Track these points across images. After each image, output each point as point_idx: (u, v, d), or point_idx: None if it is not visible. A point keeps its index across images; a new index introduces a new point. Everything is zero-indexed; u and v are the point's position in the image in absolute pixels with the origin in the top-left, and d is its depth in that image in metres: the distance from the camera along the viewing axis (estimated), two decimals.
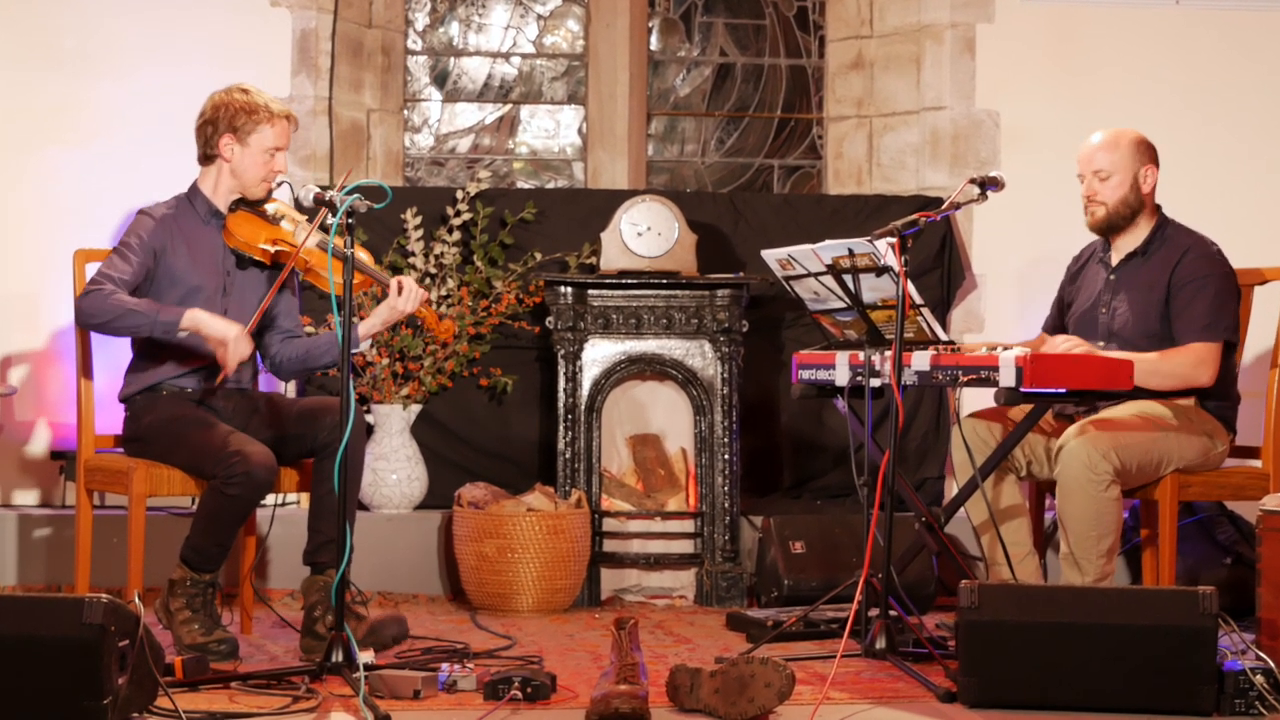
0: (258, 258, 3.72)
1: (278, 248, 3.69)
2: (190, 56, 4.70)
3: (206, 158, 3.75)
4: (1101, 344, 3.87)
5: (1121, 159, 3.87)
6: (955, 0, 5.09)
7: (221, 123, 3.70)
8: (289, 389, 4.50)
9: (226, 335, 3.55)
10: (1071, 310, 4.06)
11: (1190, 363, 3.76)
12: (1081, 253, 4.11)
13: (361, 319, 3.66)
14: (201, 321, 3.56)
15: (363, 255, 3.65)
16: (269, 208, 3.77)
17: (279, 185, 3.77)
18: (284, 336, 3.82)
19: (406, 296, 3.60)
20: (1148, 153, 3.90)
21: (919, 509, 3.77)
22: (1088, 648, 3.03)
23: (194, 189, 3.78)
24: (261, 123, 3.69)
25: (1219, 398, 3.88)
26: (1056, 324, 4.11)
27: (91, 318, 3.59)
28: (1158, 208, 3.94)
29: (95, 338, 3.82)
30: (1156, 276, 3.87)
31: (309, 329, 4.00)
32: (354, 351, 3.70)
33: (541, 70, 5.47)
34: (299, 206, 3.65)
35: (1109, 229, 3.93)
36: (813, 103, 5.48)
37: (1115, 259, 3.96)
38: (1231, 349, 3.87)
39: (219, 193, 3.75)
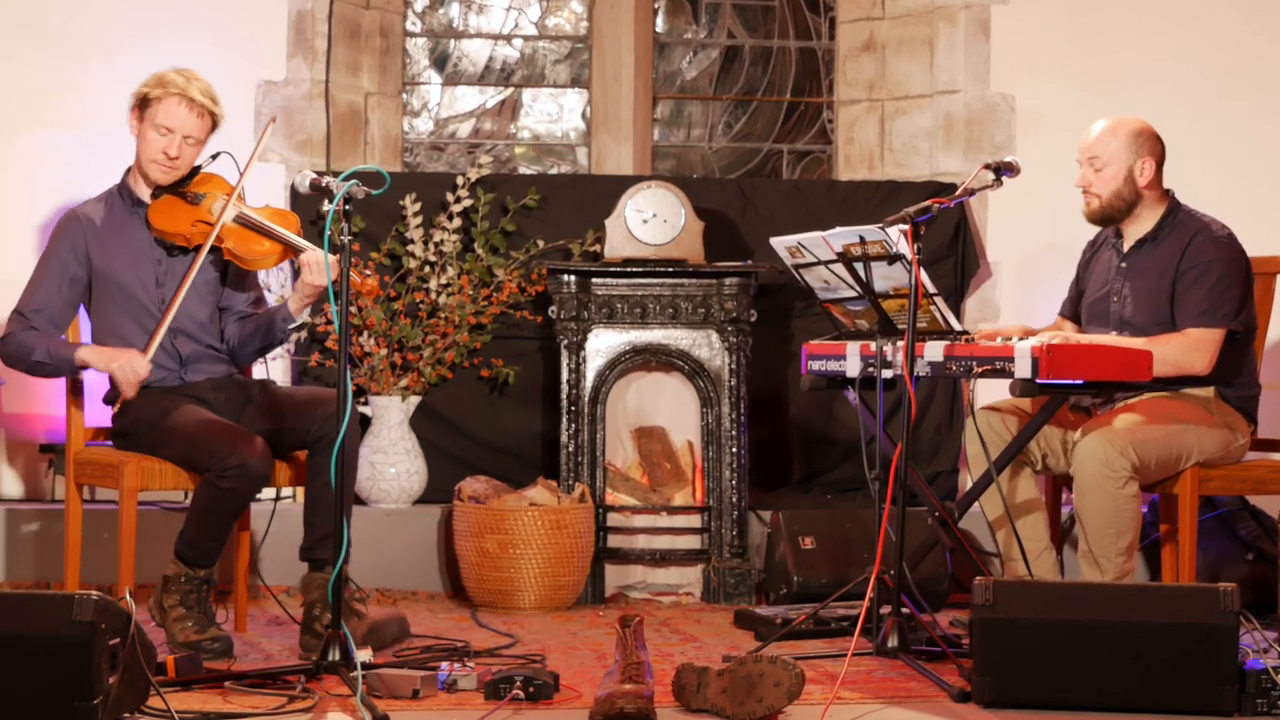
0: (180, 244, 3.63)
1: (197, 229, 3.60)
2: (183, 38, 4.67)
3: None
4: (1114, 332, 3.83)
5: (1116, 150, 3.82)
6: None
7: (134, 100, 3.63)
8: (284, 378, 4.46)
9: (109, 366, 3.55)
10: (1084, 297, 4.03)
11: (1183, 348, 3.70)
12: (1096, 237, 4.09)
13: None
14: (88, 358, 3.60)
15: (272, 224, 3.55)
16: (193, 190, 3.65)
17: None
18: (237, 318, 3.75)
19: (313, 270, 3.51)
20: (1147, 144, 3.84)
21: (932, 503, 3.77)
22: (1106, 646, 3.01)
23: (124, 178, 3.72)
24: (156, 98, 3.59)
25: (1239, 388, 3.84)
26: (1074, 309, 4.07)
27: (11, 364, 3.64)
28: (1168, 193, 3.90)
29: (85, 328, 3.78)
30: (1166, 263, 3.83)
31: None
32: (291, 326, 3.64)
33: (544, 52, 5.43)
34: (295, 194, 3.57)
35: (1104, 220, 3.91)
36: (823, 86, 5.44)
37: (1126, 246, 3.93)
38: (1245, 337, 3.82)
39: (139, 179, 3.68)
